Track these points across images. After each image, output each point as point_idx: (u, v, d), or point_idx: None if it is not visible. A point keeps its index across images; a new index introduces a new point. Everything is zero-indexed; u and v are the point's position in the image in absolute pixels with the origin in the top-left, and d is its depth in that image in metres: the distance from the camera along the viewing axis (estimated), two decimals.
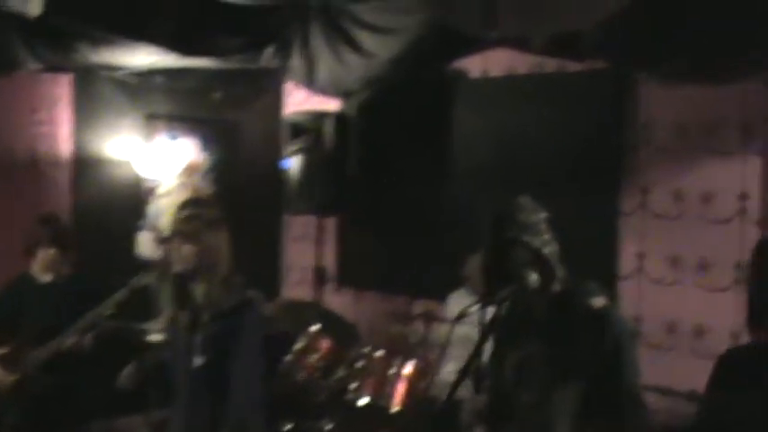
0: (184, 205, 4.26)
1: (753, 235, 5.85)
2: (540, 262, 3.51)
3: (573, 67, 6.34)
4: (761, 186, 5.82)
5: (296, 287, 7.86)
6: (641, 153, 6.31)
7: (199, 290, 4.12)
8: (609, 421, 3.41)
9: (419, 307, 7.23)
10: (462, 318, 3.47)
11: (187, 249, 4.09)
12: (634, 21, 4.69)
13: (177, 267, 4.12)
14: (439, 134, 7.06)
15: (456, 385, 3.47)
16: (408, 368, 5.59)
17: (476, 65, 6.96)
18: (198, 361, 4.06)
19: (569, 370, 3.45)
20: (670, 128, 6.17)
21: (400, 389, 5.54)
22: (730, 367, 3.09)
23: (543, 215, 3.60)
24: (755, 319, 2.90)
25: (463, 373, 3.49)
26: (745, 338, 5.83)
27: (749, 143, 5.87)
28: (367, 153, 7.18)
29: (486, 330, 3.45)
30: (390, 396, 5.51)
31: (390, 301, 7.63)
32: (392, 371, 5.55)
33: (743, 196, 5.90)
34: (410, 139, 7.12)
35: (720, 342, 5.95)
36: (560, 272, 3.55)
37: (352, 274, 7.96)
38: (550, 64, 6.56)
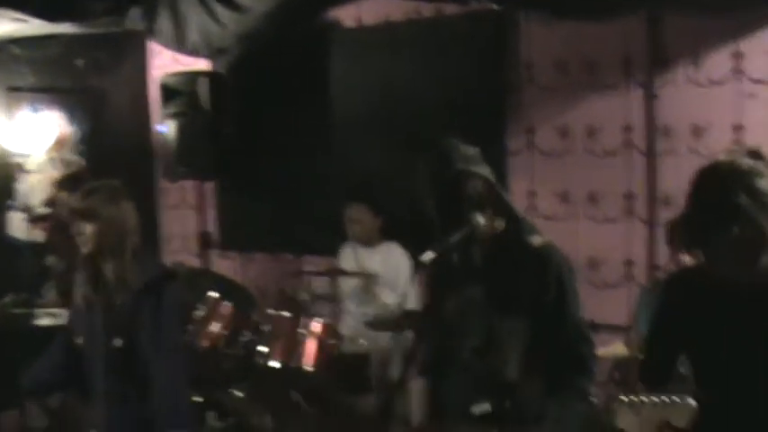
0: (65, 183, 4.00)
1: (639, 165, 5.98)
2: (491, 194, 3.40)
3: (450, 10, 6.32)
4: (645, 117, 5.93)
5: (177, 256, 7.63)
6: (525, 92, 6.35)
7: (109, 269, 3.91)
8: (558, 357, 3.39)
9: (309, 264, 7.14)
10: (424, 267, 3.34)
11: (87, 228, 3.88)
12: None
13: (83, 249, 3.90)
14: (316, 88, 6.95)
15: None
16: (317, 326, 5.51)
17: (349, 14, 6.85)
18: (117, 342, 3.87)
19: (515, 310, 3.41)
20: (552, 66, 6.22)
21: (310, 348, 5.45)
22: (670, 292, 3.11)
23: (477, 150, 3.51)
24: (687, 246, 2.92)
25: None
26: (639, 266, 6.02)
27: (631, 76, 5.97)
28: (244, 112, 7.01)
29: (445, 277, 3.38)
30: (301, 356, 5.42)
31: (278, 260, 7.51)
32: (302, 330, 5.46)
33: (627, 128, 6.01)
34: (287, 94, 6.98)
35: (614, 272, 6.10)
36: (482, 218, 3.46)
37: (236, 237, 7.79)
38: (427, 9, 6.51)
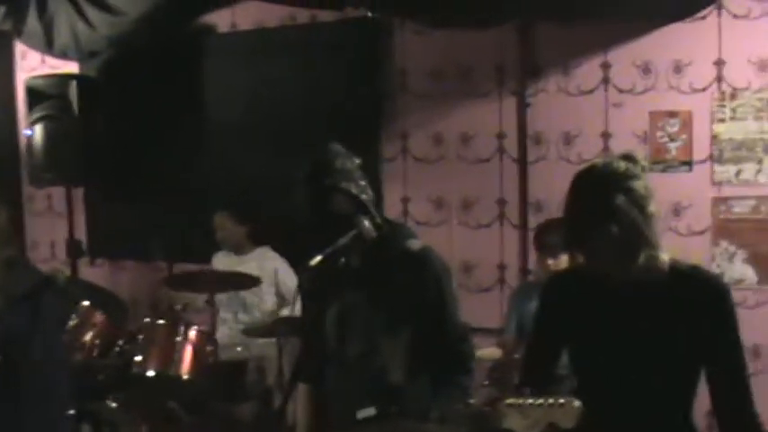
0: None
1: (511, 172, 6.11)
2: (360, 209, 3.46)
3: (325, 16, 6.34)
4: (517, 125, 6.06)
5: (44, 265, 7.43)
6: (399, 99, 6.41)
7: None
8: (439, 358, 3.45)
9: (182, 271, 7.05)
10: (310, 272, 3.35)
11: None
12: None
13: None
14: (190, 92, 6.87)
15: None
16: (192, 334, 5.44)
17: (224, 19, 6.80)
18: None
19: (395, 315, 3.45)
20: (426, 73, 6.30)
21: (186, 356, 5.39)
22: (551, 291, 3.19)
23: (358, 161, 3.55)
24: (567, 243, 3.01)
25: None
26: (511, 270, 6.15)
27: (503, 85, 6.10)
28: (115, 117, 6.88)
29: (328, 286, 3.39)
30: (178, 364, 5.35)
31: (150, 268, 7.39)
32: (178, 338, 5.39)
33: (500, 135, 6.13)
34: (160, 99, 6.88)
35: (488, 276, 6.21)
36: (368, 223, 3.51)
37: (106, 244, 7.63)
38: (302, 15, 6.51)
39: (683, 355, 2.88)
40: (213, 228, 6.38)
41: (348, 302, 3.52)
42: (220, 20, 6.81)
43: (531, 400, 2.64)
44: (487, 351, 5.22)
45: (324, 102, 6.43)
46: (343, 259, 3.41)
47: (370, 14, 5.98)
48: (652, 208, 2.82)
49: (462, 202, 6.28)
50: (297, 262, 6.20)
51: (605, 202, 2.76)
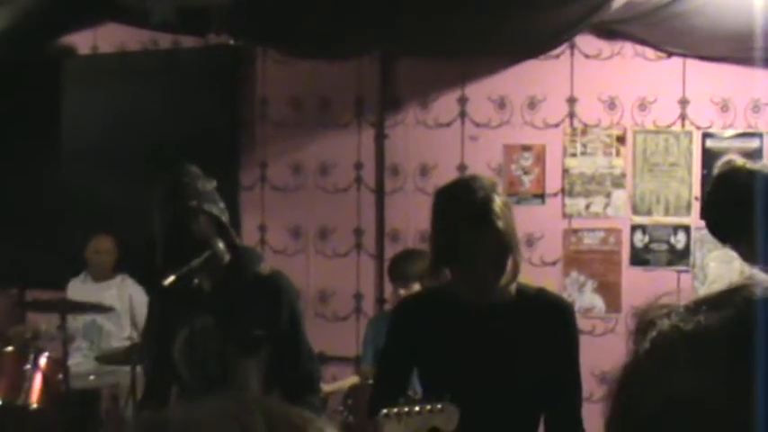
0: None
1: (369, 202, 6.19)
2: (220, 231, 3.45)
3: (187, 42, 6.31)
4: (375, 156, 6.15)
5: None
6: (259, 128, 6.42)
7: None
8: (292, 379, 3.47)
9: (34, 298, 6.85)
10: (161, 293, 3.32)
11: None
12: None
13: None
14: (46, 115, 6.71)
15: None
16: (43, 362, 5.30)
17: (84, 41, 6.69)
18: None
19: (248, 338, 3.46)
20: (287, 103, 6.33)
21: (36, 384, 5.24)
22: (403, 315, 3.25)
23: (215, 183, 3.55)
24: (435, 264, 3.06)
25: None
26: (367, 299, 6.20)
27: (362, 116, 6.18)
28: None
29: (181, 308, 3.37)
30: (27, 393, 5.20)
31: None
32: (27, 366, 5.24)
33: (358, 165, 6.20)
34: (14, 121, 6.70)
35: (344, 305, 6.25)
36: (222, 245, 3.51)
37: None
38: (164, 39, 6.47)
39: (530, 377, 2.97)
40: (86, 252, 6.23)
41: (199, 325, 3.50)
42: (81, 42, 6.70)
43: (407, 408, 2.68)
44: (348, 381, 5.25)
45: (183, 128, 6.36)
46: (196, 280, 3.41)
47: (232, 42, 5.98)
48: (513, 216, 2.94)
49: (320, 231, 6.31)
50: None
51: (487, 203, 2.84)
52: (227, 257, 3.44)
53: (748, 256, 3.12)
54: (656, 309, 0.86)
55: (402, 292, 4.96)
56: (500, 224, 2.83)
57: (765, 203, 2.96)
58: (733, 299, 0.82)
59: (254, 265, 3.50)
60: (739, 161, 3.34)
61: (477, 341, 2.99)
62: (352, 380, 5.25)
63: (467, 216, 2.88)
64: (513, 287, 2.98)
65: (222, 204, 3.47)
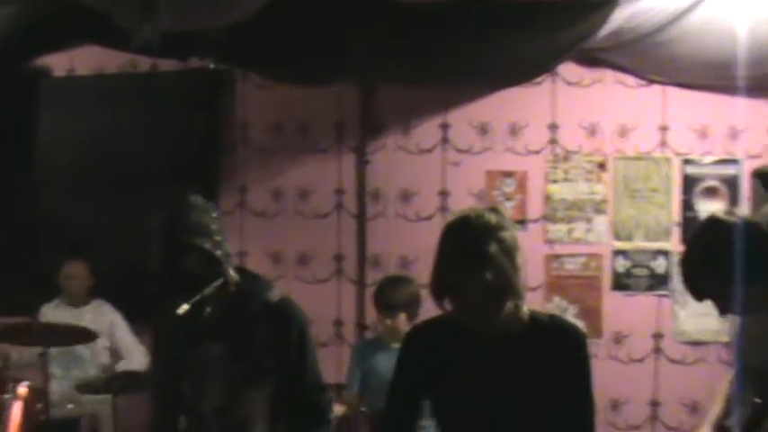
0: None
1: (350, 227, 6.18)
2: (215, 265, 3.42)
3: (166, 66, 6.27)
4: (356, 181, 6.14)
5: None
6: (239, 152, 6.38)
7: None
8: (301, 409, 3.44)
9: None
10: (171, 322, 3.28)
11: None
12: (251, 23, 4.75)
13: None
14: (20, 138, 6.62)
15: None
16: (22, 390, 5.21)
17: (61, 62, 6.61)
18: None
19: (257, 367, 3.43)
20: (267, 127, 6.31)
21: (15, 414, 5.15)
22: (414, 342, 3.24)
23: (214, 214, 3.51)
24: (436, 294, 3.06)
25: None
26: (348, 326, 6.18)
27: (344, 141, 6.18)
28: None
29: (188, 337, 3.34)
30: (6, 423, 5.11)
31: None
32: (6, 395, 5.15)
33: (339, 191, 6.19)
34: None
35: (325, 331, 6.21)
36: (233, 273, 3.49)
37: None
38: (143, 62, 6.43)
39: (543, 405, 2.97)
40: (59, 277, 6.16)
41: (207, 354, 3.47)
42: (57, 63, 6.63)
43: None
44: (335, 408, 5.19)
45: (161, 152, 6.32)
46: (208, 309, 3.38)
47: (212, 66, 5.96)
48: (519, 259, 2.92)
49: (300, 256, 6.28)
50: (134, 315, 6.08)
51: (479, 249, 2.83)
52: (236, 285, 3.42)
53: (725, 309, 3.15)
54: None
55: (389, 321, 4.95)
56: (488, 276, 2.82)
57: (743, 254, 3.02)
58: None
59: (264, 292, 3.47)
60: (718, 214, 3.31)
61: (490, 369, 2.98)
62: (340, 409, 5.20)
63: (461, 260, 2.88)
64: (526, 313, 2.98)
65: (220, 237, 3.41)
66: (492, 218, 2.95)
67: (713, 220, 3.18)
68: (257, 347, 3.40)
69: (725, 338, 5.62)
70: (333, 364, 6.02)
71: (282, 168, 6.30)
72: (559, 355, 2.98)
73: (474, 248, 2.84)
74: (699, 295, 3.18)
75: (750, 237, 3.05)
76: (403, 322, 4.88)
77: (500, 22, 4.50)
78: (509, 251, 2.88)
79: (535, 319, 3.01)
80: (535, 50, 5.03)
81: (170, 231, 3.36)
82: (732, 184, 5.72)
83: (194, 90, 6.32)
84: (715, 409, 3.71)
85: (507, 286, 2.87)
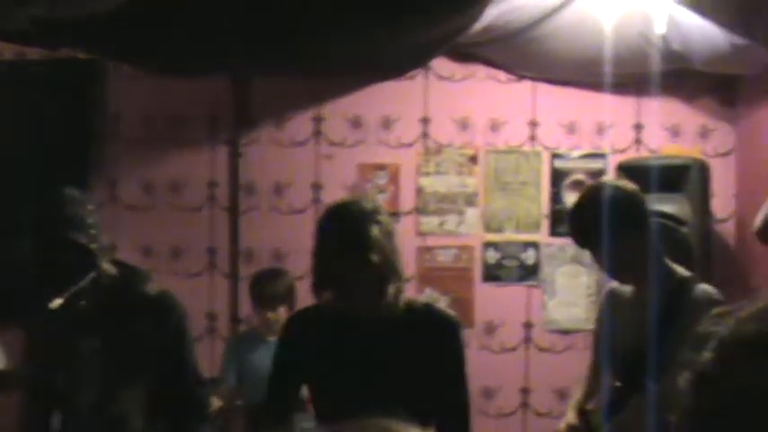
0: None
1: (222, 221, 6.14)
2: (90, 259, 3.36)
3: (34, 54, 6.11)
4: (229, 174, 6.11)
5: None
6: (110, 144, 6.26)
7: None
8: (179, 403, 3.41)
9: None
10: (45, 317, 3.21)
11: None
12: (121, 12, 4.68)
13: None
14: None
15: None
16: None
17: None
18: None
19: (134, 362, 3.38)
20: (139, 119, 6.20)
21: None
22: (293, 331, 3.26)
23: (90, 206, 3.44)
24: (317, 284, 3.09)
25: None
26: (222, 320, 6.14)
27: (217, 134, 6.13)
28: None
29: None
30: None
31: None
32: None
33: (212, 184, 6.14)
34: None
35: (198, 326, 6.05)
36: (109, 266, 3.44)
37: None
38: (9, 50, 6.23)
39: (420, 390, 3.03)
40: None
41: (82, 349, 3.40)
42: None
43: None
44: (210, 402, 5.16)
45: (29, 143, 6.15)
46: (83, 302, 3.32)
47: (81, 55, 5.83)
48: (397, 242, 2.99)
49: (172, 250, 6.20)
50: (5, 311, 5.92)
51: (363, 233, 2.88)
52: (112, 277, 3.36)
53: (599, 261, 3.43)
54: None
55: (270, 314, 4.94)
56: (374, 258, 2.87)
57: (613, 217, 3.21)
58: None
59: (141, 285, 3.42)
60: (606, 179, 3.60)
61: (366, 356, 3.03)
62: (215, 402, 5.16)
63: (339, 247, 2.92)
64: (401, 301, 3.03)
65: (94, 230, 3.34)
66: (367, 204, 3.02)
67: (600, 185, 3.50)
68: (134, 341, 3.36)
69: (591, 326, 5.79)
70: (206, 359, 5.97)
71: (154, 161, 6.21)
72: (435, 342, 3.06)
73: (357, 233, 2.89)
74: (582, 245, 3.45)
75: (624, 202, 3.34)
76: (283, 315, 4.89)
77: (373, 17, 4.55)
78: (389, 234, 2.95)
79: (411, 306, 3.08)
80: (408, 45, 5.09)
81: (43, 225, 3.29)
82: (599, 177, 5.89)
83: (64, 80, 6.16)
84: (576, 394, 3.84)
85: (392, 268, 2.93)
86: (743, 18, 4.09)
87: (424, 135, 5.92)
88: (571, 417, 3.71)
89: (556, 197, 5.89)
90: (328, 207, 3.11)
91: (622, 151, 5.93)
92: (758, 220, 4.11)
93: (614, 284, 3.65)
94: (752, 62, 5.39)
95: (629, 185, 3.47)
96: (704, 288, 3.41)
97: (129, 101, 6.21)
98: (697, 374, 0.93)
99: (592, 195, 3.39)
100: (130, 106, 6.21)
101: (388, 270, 2.91)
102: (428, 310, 3.14)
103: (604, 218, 3.24)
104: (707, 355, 0.93)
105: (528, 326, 5.96)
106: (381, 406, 2.92)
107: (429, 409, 3.05)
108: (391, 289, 2.96)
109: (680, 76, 5.72)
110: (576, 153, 5.92)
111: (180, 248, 6.20)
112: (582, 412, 3.71)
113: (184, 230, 6.18)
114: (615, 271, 3.46)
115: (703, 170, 5.57)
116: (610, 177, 5.43)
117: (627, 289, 3.54)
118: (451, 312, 3.25)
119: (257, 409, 3.71)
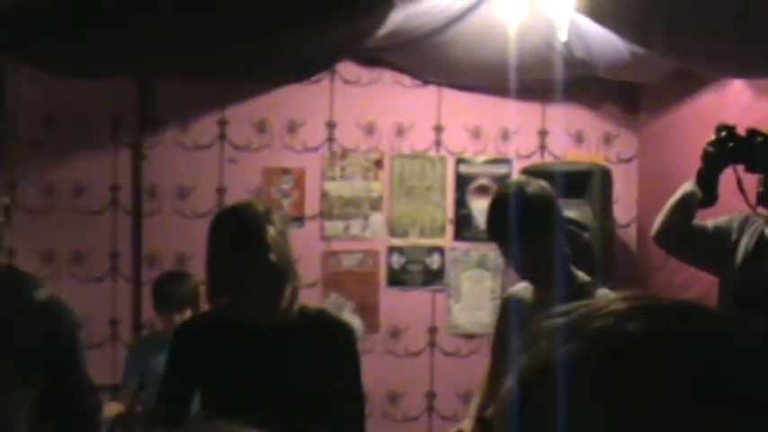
0: None
1: (125, 224, 6.04)
2: None
3: None
4: (132, 177, 6.01)
5: None
6: (8, 146, 6.12)
7: None
8: (69, 412, 3.34)
9: None
10: None
11: None
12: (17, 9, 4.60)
13: None
14: None
15: None
16: None
17: None
18: None
19: (21, 369, 3.30)
20: (39, 120, 6.06)
21: None
22: (185, 337, 3.22)
23: (3, 202, 3.36)
24: (213, 290, 3.07)
25: None
26: (124, 325, 6.04)
27: (119, 136, 6.03)
28: None
29: None
30: None
31: None
32: None
33: (114, 187, 6.04)
34: None
35: (100, 331, 6.01)
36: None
37: None
38: None
39: (312, 398, 3.01)
40: None
41: None
42: None
43: None
44: (110, 407, 5.08)
45: None
46: None
47: None
48: (291, 243, 2.98)
49: (73, 255, 6.08)
50: None
51: (259, 233, 2.86)
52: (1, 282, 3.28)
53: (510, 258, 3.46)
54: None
55: (176, 317, 4.86)
56: (273, 257, 2.86)
57: (522, 215, 3.22)
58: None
59: (30, 290, 3.34)
60: (522, 178, 3.64)
61: (259, 362, 3.01)
62: (116, 408, 5.09)
63: (238, 248, 2.90)
64: (295, 308, 3.02)
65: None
66: (259, 206, 3.02)
67: (518, 183, 3.53)
68: (22, 348, 3.28)
69: None
70: (108, 365, 5.88)
71: (55, 163, 6.09)
72: (329, 349, 3.05)
73: (253, 233, 2.87)
74: (497, 241, 3.45)
75: (541, 201, 3.35)
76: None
77: (278, 18, 4.52)
78: (283, 234, 2.94)
79: (304, 312, 3.06)
80: (313, 48, 5.07)
81: None
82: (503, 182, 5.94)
83: None
84: (476, 401, 3.86)
85: (289, 268, 2.91)
86: (638, 27, 4.15)
87: (330, 139, 5.90)
88: (466, 424, 3.72)
89: (461, 202, 5.92)
90: (220, 211, 3.10)
91: (527, 157, 5.98)
92: (656, 225, 4.16)
93: (513, 289, 3.67)
94: (652, 70, 5.48)
95: (547, 186, 3.48)
96: (605, 292, 3.44)
97: (30, 101, 6.06)
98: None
99: (510, 192, 3.40)
100: (31, 107, 6.07)
101: (285, 270, 2.90)
102: (322, 317, 3.13)
103: (519, 216, 3.25)
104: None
105: (433, 330, 5.98)
106: (274, 414, 2.93)
107: (323, 416, 3.03)
108: (287, 291, 2.94)
109: (584, 82, 5.80)
110: (480, 158, 5.96)
111: (81, 253, 6.08)
112: (481, 420, 3.72)
113: (86, 234, 6.06)
114: (524, 270, 3.46)
115: (606, 176, 5.66)
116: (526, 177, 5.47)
117: (527, 294, 3.56)
118: (345, 319, 3.25)
119: (150, 414, 3.63)
